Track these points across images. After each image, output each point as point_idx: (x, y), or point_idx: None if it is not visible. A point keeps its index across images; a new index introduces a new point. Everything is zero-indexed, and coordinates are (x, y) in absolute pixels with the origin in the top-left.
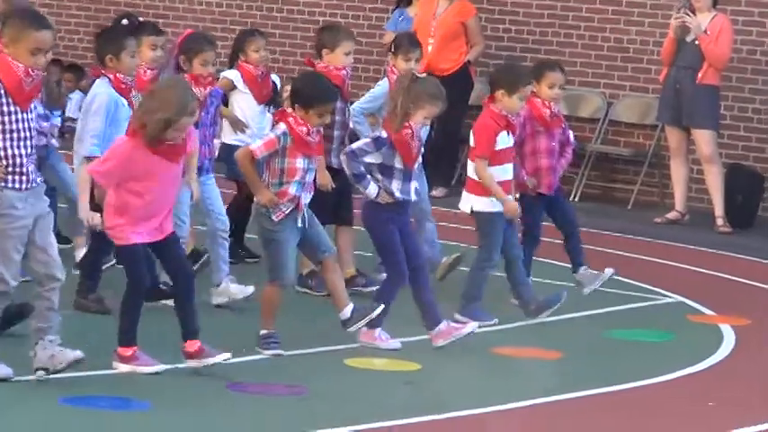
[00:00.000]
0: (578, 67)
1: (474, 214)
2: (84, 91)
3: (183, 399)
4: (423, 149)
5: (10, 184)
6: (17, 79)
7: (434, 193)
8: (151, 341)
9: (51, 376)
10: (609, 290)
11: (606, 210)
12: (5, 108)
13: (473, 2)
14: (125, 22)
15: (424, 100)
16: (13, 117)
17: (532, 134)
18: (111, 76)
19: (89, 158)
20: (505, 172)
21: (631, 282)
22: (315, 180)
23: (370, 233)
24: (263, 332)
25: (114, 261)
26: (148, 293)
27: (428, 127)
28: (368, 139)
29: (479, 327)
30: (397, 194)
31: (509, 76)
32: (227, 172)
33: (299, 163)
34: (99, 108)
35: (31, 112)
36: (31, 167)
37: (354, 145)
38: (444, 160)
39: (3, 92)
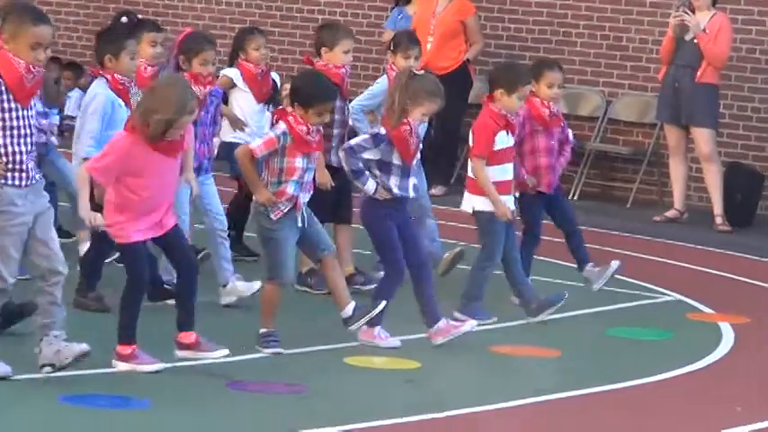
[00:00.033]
0: (577, 66)
1: (475, 214)
2: (84, 89)
3: (183, 397)
4: (421, 146)
5: (10, 181)
6: (18, 76)
7: (433, 191)
8: (151, 340)
9: (57, 373)
10: (608, 288)
11: (605, 208)
12: (6, 105)
13: (472, 0)
14: (124, 19)
15: (423, 97)
16: (14, 114)
17: (531, 133)
18: (109, 77)
19: (87, 159)
20: (505, 172)
21: (630, 280)
22: (314, 179)
23: (368, 230)
24: (262, 331)
25: (117, 256)
26: (152, 294)
27: (426, 124)
28: (366, 136)
29: (478, 325)
30: (395, 191)
31: (508, 76)
32: (229, 170)
33: (298, 162)
34: (96, 109)
35: (31, 109)
36: (31, 164)
37: (353, 141)
38: (443, 158)
39: (4, 88)
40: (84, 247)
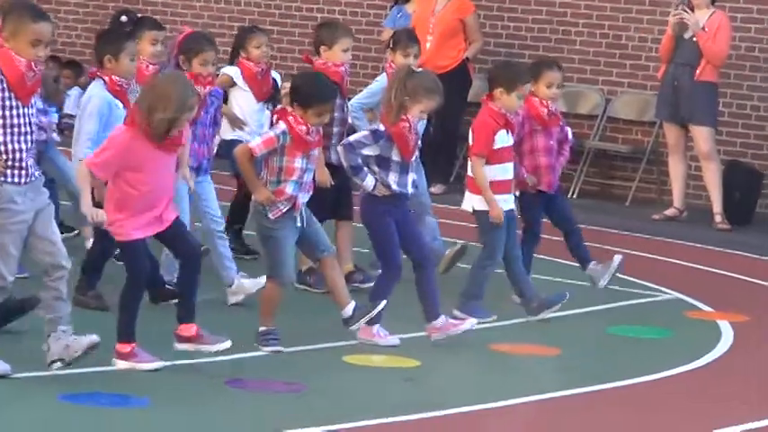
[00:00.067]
0: (576, 64)
1: (475, 213)
2: (84, 87)
3: (182, 395)
4: (420, 144)
5: (9, 179)
6: (20, 73)
7: (432, 189)
8: (150, 338)
9: (56, 372)
10: (607, 286)
11: (604, 206)
12: (7, 102)
13: None
14: (124, 18)
15: (421, 94)
16: (15, 111)
17: (530, 133)
18: (107, 78)
19: None
20: (505, 171)
21: (629, 278)
22: (314, 177)
23: (366, 226)
24: (262, 329)
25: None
26: (154, 295)
27: (425, 122)
28: (366, 132)
29: (478, 323)
30: (394, 187)
31: (508, 74)
32: (229, 168)
33: (298, 162)
34: (92, 111)
35: (31, 107)
36: (30, 162)
37: (352, 137)
38: (442, 157)
39: (5, 86)
40: (90, 243)
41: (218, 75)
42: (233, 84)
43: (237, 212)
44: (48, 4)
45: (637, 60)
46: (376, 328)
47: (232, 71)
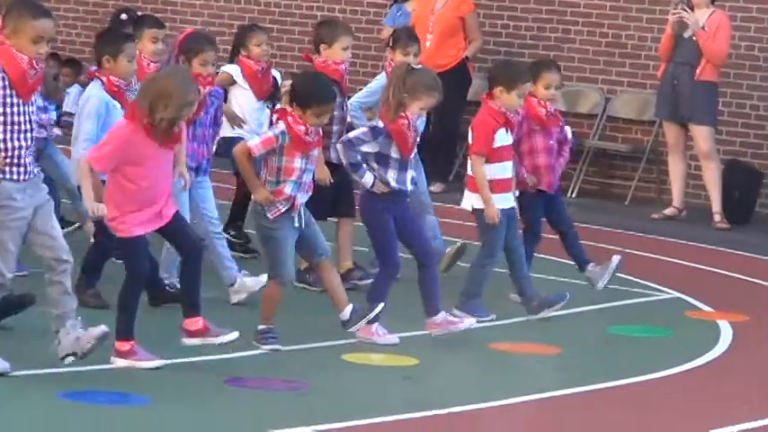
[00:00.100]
0: (576, 63)
1: (475, 212)
2: (84, 85)
3: (182, 394)
4: (420, 141)
5: (8, 176)
6: (21, 71)
7: (432, 188)
8: (150, 336)
9: (55, 369)
10: (607, 286)
11: (604, 205)
12: (8, 99)
13: None
14: (124, 16)
15: (421, 91)
16: (15, 109)
17: (529, 133)
18: (105, 79)
19: None
20: (505, 169)
21: (629, 278)
22: (314, 176)
23: (365, 223)
24: (260, 327)
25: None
26: (153, 297)
27: (425, 121)
28: (365, 129)
29: (477, 322)
30: (393, 184)
31: (507, 73)
32: (229, 166)
33: (297, 163)
34: (90, 112)
35: (32, 104)
36: (29, 159)
37: (351, 134)
38: (442, 156)
39: (7, 83)
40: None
41: (217, 73)
42: (233, 82)
43: (238, 212)
44: (48, 2)
45: (636, 59)
46: (375, 326)
47: (232, 69)
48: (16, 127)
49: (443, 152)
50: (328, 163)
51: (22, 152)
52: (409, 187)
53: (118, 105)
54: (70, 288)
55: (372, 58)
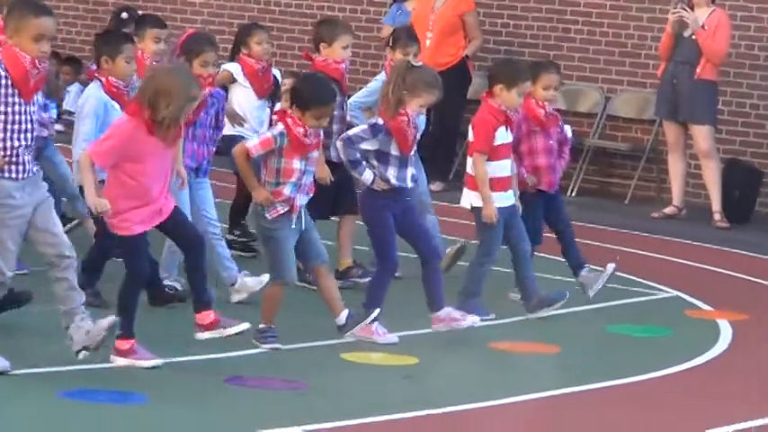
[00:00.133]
0: (576, 62)
1: (474, 210)
2: (84, 84)
3: (182, 393)
4: (420, 139)
5: (6, 174)
6: (24, 70)
7: (432, 187)
8: (149, 335)
9: (55, 368)
10: (606, 285)
11: (603, 204)
12: (10, 99)
13: None
14: (124, 15)
15: (421, 88)
16: (17, 108)
17: (528, 134)
18: (104, 80)
19: None
20: (504, 168)
21: (629, 277)
22: (314, 177)
23: (365, 221)
24: (261, 326)
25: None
26: (152, 297)
27: (425, 119)
28: (364, 126)
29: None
30: (393, 181)
31: (508, 71)
32: (229, 166)
33: (296, 164)
34: (88, 112)
35: (33, 104)
36: (28, 157)
37: (351, 132)
38: (441, 154)
39: (9, 83)
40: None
41: (218, 72)
42: (233, 80)
43: (238, 212)
44: (48, 0)
45: (636, 58)
46: (375, 325)
47: (233, 67)
48: (17, 126)
49: (443, 151)
50: (329, 162)
51: (20, 150)
52: (410, 184)
53: (116, 106)
54: (76, 283)
55: (372, 56)
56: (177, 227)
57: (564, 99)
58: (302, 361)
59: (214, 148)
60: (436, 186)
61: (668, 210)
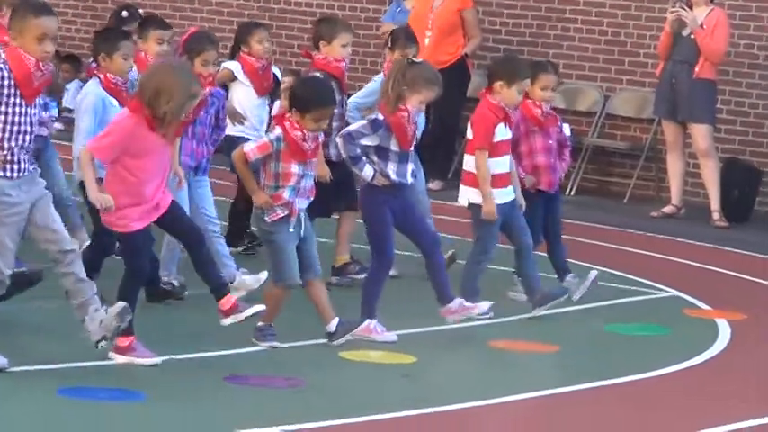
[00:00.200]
0: (575, 61)
1: (471, 207)
2: (84, 81)
3: (181, 390)
4: (420, 138)
5: (1, 173)
6: (27, 72)
7: (431, 186)
8: (149, 333)
9: (54, 365)
10: (605, 284)
11: (602, 203)
12: (11, 100)
13: None
14: (125, 13)
15: (420, 84)
16: (17, 109)
17: (527, 134)
18: (102, 77)
19: None
20: (503, 164)
21: (627, 276)
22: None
23: (363, 216)
24: (259, 324)
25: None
26: (150, 292)
27: (425, 120)
28: (364, 122)
29: (477, 318)
30: (393, 177)
31: (508, 68)
32: (230, 166)
33: (295, 168)
34: (87, 109)
35: (35, 106)
36: (25, 157)
37: (351, 127)
38: (441, 153)
39: (13, 83)
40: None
41: (218, 71)
42: (234, 78)
43: (239, 218)
44: None
45: (635, 57)
46: (373, 323)
47: (233, 65)
48: (15, 127)
49: (442, 149)
50: (328, 160)
51: (15, 150)
52: (410, 180)
53: (115, 102)
54: (83, 274)
55: (371, 55)
56: (175, 222)
57: (563, 98)
58: (301, 359)
59: (214, 148)
60: (435, 185)
61: (667, 209)
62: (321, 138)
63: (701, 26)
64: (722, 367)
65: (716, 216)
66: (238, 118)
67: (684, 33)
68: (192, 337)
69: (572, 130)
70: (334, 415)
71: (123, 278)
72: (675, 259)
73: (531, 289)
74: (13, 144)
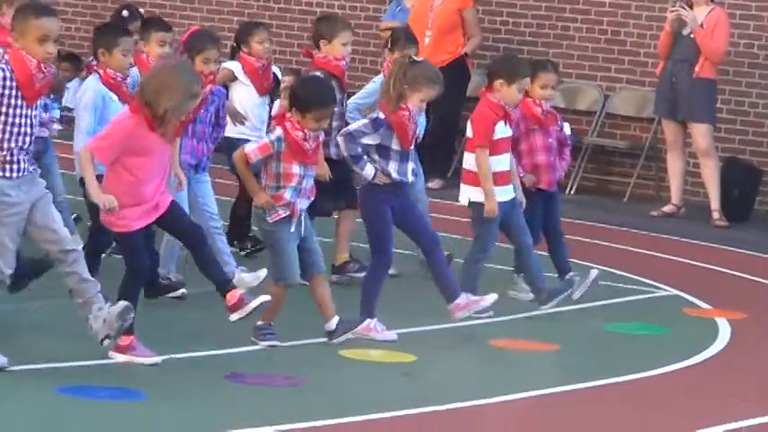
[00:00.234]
0: (575, 60)
1: (471, 205)
2: (84, 80)
3: (181, 389)
4: (420, 138)
5: (0, 173)
6: (29, 73)
7: (431, 184)
8: (148, 331)
9: (53, 364)
10: (605, 283)
11: (602, 202)
12: (12, 101)
13: None
14: (125, 13)
15: (421, 83)
16: (18, 111)
17: (527, 132)
18: (102, 72)
19: None
20: (504, 162)
21: (627, 275)
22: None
23: (363, 214)
24: (259, 323)
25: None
26: (148, 289)
27: (425, 120)
28: (365, 121)
29: (475, 319)
30: (394, 175)
31: (508, 66)
32: (229, 167)
33: (296, 169)
34: (87, 104)
35: (35, 108)
36: (24, 157)
37: (352, 126)
38: (441, 152)
39: (14, 84)
40: None
41: (218, 69)
42: (234, 78)
43: (241, 223)
44: None
45: (635, 57)
46: (373, 322)
47: (233, 65)
48: (15, 128)
49: (442, 148)
50: (327, 159)
51: (15, 151)
52: (410, 178)
53: (115, 97)
54: (86, 273)
55: (371, 54)
56: (175, 222)
57: (563, 97)
58: (301, 358)
59: (214, 145)
60: (435, 184)
61: (667, 208)
62: (321, 137)
63: (701, 25)
64: (722, 366)
65: (716, 215)
66: (239, 118)
67: (684, 32)
68: (192, 337)
69: (572, 129)
70: (334, 414)
71: (124, 278)
72: (675, 258)
73: (536, 287)
74: (12, 145)
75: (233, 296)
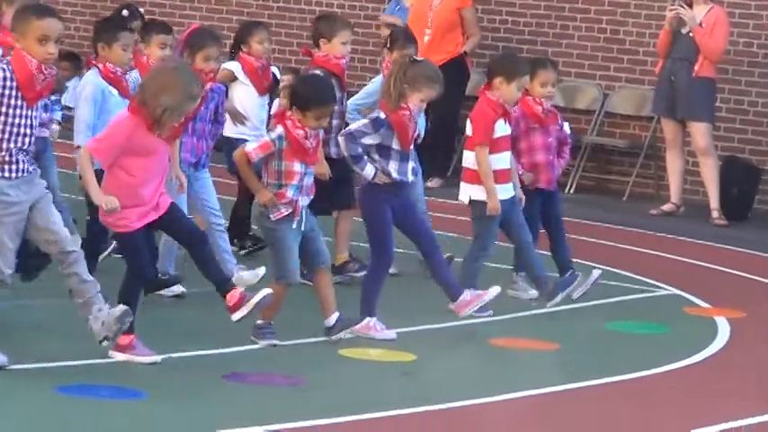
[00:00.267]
0: (574, 59)
1: (472, 203)
2: None
3: (180, 389)
4: (420, 138)
5: None
6: (29, 74)
7: (430, 183)
8: (148, 331)
9: (53, 363)
10: (605, 282)
11: (601, 201)
12: (12, 101)
13: None
14: (125, 12)
15: (422, 82)
16: (18, 111)
17: (527, 131)
18: (101, 66)
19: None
20: (504, 160)
21: (627, 274)
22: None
23: (363, 214)
24: (258, 322)
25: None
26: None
27: (425, 121)
28: (366, 121)
29: (474, 318)
30: (395, 175)
31: (508, 65)
32: (227, 166)
33: (297, 167)
34: (86, 98)
35: (36, 109)
36: (24, 157)
37: (352, 126)
38: (440, 151)
39: (15, 84)
40: None
41: (218, 68)
42: (234, 78)
43: (241, 224)
44: None
45: (635, 55)
46: (373, 321)
47: (233, 65)
48: (15, 129)
49: (442, 147)
50: (327, 158)
51: (14, 151)
52: (410, 178)
53: (114, 91)
54: (86, 274)
55: (370, 53)
56: (174, 223)
57: (562, 96)
58: (300, 357)
59: (213, 142)
60: (434, 183)
61: (666, 207)
62: (321, 135)
63: (700, 24)
64: (721, 365)
65: (715, 214)
66: (240, 118)
67: (684, 31)
68: (192, 336)
69: (571, 128)
70: (334, 413)
71: (125, 278)
72: (675, 257)
73: (540, 282)
74: (12, 145)
75: (233, 296)
